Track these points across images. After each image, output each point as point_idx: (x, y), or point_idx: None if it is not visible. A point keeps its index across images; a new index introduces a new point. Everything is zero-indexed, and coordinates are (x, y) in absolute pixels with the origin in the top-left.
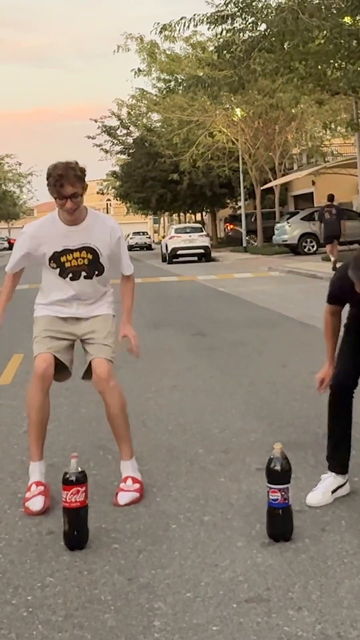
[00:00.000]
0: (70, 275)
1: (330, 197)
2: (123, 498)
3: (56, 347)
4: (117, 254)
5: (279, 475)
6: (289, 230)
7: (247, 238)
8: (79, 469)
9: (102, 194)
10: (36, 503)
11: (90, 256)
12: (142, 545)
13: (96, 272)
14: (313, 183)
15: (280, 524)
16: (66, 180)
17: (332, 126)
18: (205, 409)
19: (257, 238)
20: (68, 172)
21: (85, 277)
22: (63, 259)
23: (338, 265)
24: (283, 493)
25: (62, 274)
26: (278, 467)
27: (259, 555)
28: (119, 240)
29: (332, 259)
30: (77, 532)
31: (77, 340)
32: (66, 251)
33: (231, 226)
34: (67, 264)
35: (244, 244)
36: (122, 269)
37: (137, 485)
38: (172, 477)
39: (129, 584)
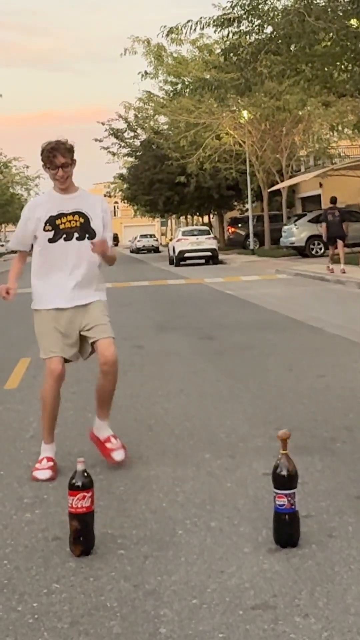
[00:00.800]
0: (64, 236)
1: (333, 200)
2: (118, 455)
3: (64, 349)
4: (105, 222)
5: (285, 480)
6: (296, 232)
7: (250, 240)
8: (85, 474)
9: (110, 196)
10: (44, 473)
11: (82, 220)
12: (148, 551)
13: (87, 236)
14: (320, 185)
15: (286, 530)
16: (58, 152)
17: (339, 128)
18: (212, 413)
19: (257, 242)
20: (59, 146)
21: (77, 239)
22: (58, 221)
23: (342, 267)
24: (289, 498)
25: (56, 237)
26: (284, 472)
27: (265, 561)
28: (107, 211)
29: (330, 265)
30: (83, 538)
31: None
32: (61, 215)
33: (232, 229)
34: (62, 226)
35: (251, 247)
36: (106, 236)
37: (120, 442)
38: (178, 482)
39: (135, 591)
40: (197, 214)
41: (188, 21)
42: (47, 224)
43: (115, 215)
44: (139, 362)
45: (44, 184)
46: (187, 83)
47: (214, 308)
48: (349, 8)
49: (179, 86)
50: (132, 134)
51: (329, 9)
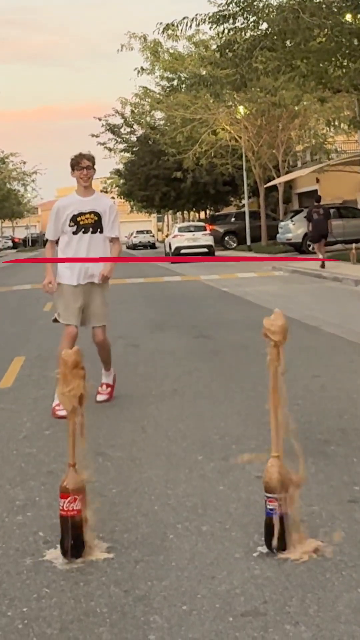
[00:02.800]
0: (83, 229)
1: (318, 198)
2: (100, 397)
3: (77, 318)
4: (110, 219)
5: (276, 484)
6: (292, 228)
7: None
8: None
9: (106, 192)
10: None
11: (96, 217)
12: (139, 556)
13: (99, 230)
14: (317, 180)
15: (277, 534)
16: (84, 157)
17: (336, 123)
18: (206, 414)
19: (235, 239)
20: (85, 154)
21: (91, 232)
22: (79, 218)
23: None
24: (281, 502)
25: (77, 231)
26: (276, 476)
27: (256, 566)
28: (112, 209)
29: (320, 256)
30: (73, 542)
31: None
32: (81, 213)
33: (210, 227)
34: (81, 222)
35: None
36: (113, 230)
37: (108, 389)
38: (170, 485)
39: (125, 596)
40: (194, 209)
41: (184, 18)
42: (71, 221)
43: None
44: (134, 362)
45: (40, 180)
46: (183, 79)
47: (210, 306)
48: (343, 4)
49: (175, 82)
50: (128, 129)
51: (324, 6)
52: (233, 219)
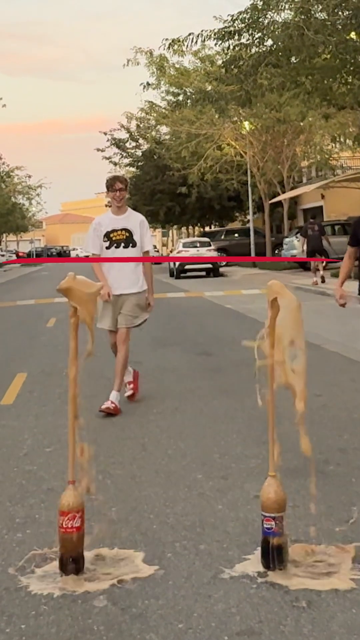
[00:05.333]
0: (115, 245)
1: (313, 216)
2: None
3: (113, 323)
4: (142, 234)
5: (273, 503)
6: (297, 245)
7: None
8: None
9: (110, 206)
10: (105, 405)
11: (127, 234)
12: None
13: (131, 245)
14: (322, 197)
15: (274, 553)
16: (117, 180)
17: (341, 139)
18: (206, 432)
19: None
20: (118, 176)
21: (123, 247)
22: (112, 235)
23: (319, 276)
24: (277, 522)
25: (110, 245)
26: (272, 495)
27: (252, 586)
28: (142, 225)
29: (315, 278)
30: (72, 559)
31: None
32: (114, 230)
33: None
34: (114, 238)
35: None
36: (143, 245)
37: (113, 405)
38: (169, 504)
39: (122, 614)
40: (198, 224)
41: (189, 34)
42: (105, 237)
43: None
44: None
45: (45, 194)
46: (188, 94)
47: (213, 323)
48: (347, 22)
49: (181, 97)
50: (133, 144)
51: (328, 23)
52: (223, 236)
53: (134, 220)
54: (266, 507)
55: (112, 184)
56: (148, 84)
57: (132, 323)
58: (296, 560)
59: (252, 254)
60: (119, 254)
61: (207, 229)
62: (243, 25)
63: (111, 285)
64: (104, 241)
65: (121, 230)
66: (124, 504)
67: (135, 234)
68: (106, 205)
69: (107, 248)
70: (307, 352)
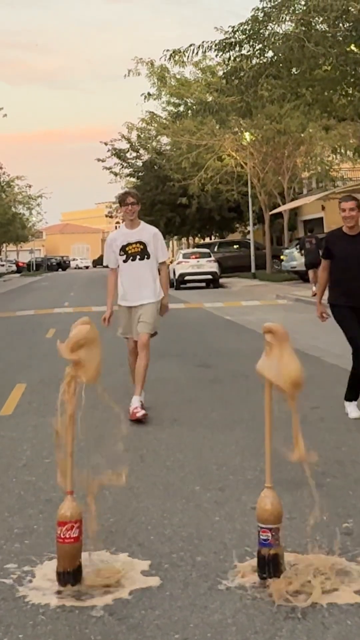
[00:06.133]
0: (131, 257)
1: (311, 229)
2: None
3: (131, 331)
4: (156, 246)
5: (269, 515)
6: (297, 256)
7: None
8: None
9: (111, 217)
10: (140, 413)
11: (142, 246)
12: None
13: (146, 256)
14: (323, 208)
15: (269, 565)
16: (129, 195)
17: (342, 151)
18: (205, 444)
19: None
20: (130, 191)
21: (139, 259)
22: (127, 248)
23: (326, 292)
24: (274, 533)
25: (127, 259)
26: (269, 507)
27: (248, 596)
28: (156, 237)
29: (314, 287)
30: (70, 570)
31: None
32: (129, 244)
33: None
34: (130, 251)
35: None
36: (158, 256)
37: (137, 410)
38: (167, 515)
39: (119, 624)
40: (199, 235)
41: (190, 45)
42: (121, 251)
43: None
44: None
45: (45, 204)
46: (189, 105)
47: (213, 334)
48: (348, 34)
49: (182, 108)
50: (134, 154)
51: (329, 35)
52: (216, 248)
53: (148, 233)
54: (262, 518)
55: (124, 198)
56: (149, 94)
57: (152, 329)
58: (292, 571)
59: (253, 266)
60: (136, 265)
61: (207, 239)
62: (244, 36)
63: (131, 296)
64: (120, 255)
65: (136, 243)
66: (121, 516)
67: (149, 245)
68: (106, 216)
69: (124, 262)
70: (305, 365)
